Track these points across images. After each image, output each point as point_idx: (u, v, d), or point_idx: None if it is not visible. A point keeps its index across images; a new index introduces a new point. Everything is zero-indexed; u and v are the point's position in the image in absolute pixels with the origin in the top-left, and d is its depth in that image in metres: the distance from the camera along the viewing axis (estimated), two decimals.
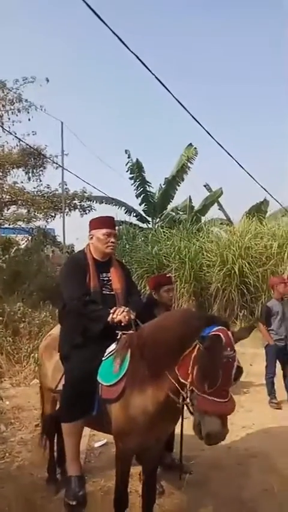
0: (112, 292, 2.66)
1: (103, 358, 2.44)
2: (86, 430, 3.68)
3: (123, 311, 2.47)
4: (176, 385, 2.04)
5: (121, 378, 2.26)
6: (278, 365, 5.18)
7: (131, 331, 2.43)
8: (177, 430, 3.28)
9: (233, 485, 3.16)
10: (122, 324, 2.46)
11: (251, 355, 6.81)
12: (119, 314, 2.46)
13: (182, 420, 3.04)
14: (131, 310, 2.52)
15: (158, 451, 2.57)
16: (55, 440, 3.18)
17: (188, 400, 2.00)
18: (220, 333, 1.93)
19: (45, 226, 15.95)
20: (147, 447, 2.44)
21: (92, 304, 2.53)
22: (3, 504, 2.87)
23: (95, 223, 2.78)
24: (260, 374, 5.36)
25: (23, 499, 2.96)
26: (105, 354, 2.45)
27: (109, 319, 2.46)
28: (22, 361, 6.48)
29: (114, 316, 2.45)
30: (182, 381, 1.99)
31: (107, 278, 2.70)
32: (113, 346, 2.45)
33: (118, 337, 2.44)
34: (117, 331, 2.46)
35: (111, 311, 2.48)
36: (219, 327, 1.97)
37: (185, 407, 2.13)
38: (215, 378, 1.87)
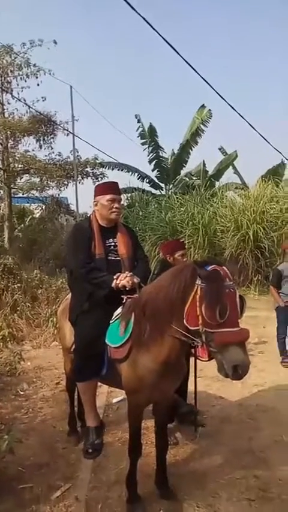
0: (118, 258, 2.70)
1: (110, 322, 2.54)
2: (105, 387, 3.91)
3: (126, 276, 2.53)
4: (189, 336, 2.13)
5: (127, 340, 2.37)
6: None
7: (135, 295, 2.50)
8: (190, 387, 3.48)
9: (244, 437, 3.32)
10: (127, 289, 2.52)
11: (264, 318, 6.92)
12: (123, 279, 2.52)
13: (195, 377, 3.20)
14: (136, 275, 2.58)
15: (167, 406, 2.72)
16: (75, 396, 3.36)
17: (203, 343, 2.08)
18: (216, 268, 2.07)
19: (58, 194, 15.98)
20: (155, 402, 2.59)
21: (96, 271, 2.60)
22: (29, 453, 3.11)
23: (99, 190, 2.79)
24: (273, 336, 5.46)
25: (46, 449, 3.19)
26: (113, 318, 2.55)
27: (113, 284, 2.53)
28: (41, 325, 6.74)
29: (118, 281, 2.52)
30: (193, 328, 2.08)
31: (113, 244, 2.73)
32: (119, 310, 2.54)
33: (123, 301, 2.52)
34: (122, 296, 2.53)
35: (115, 277, 2.54)
36: (213, 265, 2.10)
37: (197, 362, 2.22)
38: (223, 306, 1.97)
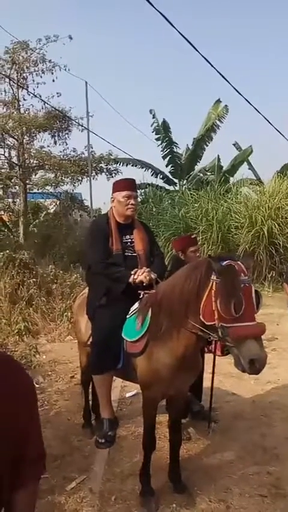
0: (135, 254, 2.74)
1: (127, 317, 2.58)
2: (118, 382, 3.95)
3: (143, 272, 2.57)
4: (206, 330, 2.15)
5: (143, 334, 2.40)
6: None
7: (152, 291, 2.53)
8: (205, 383, 3.50)
9: (257, 434, 3.32)
10: (144, 284, 2.56)
11: (278, 315, 6.88)
12: (140, 275, 2.55)
13: (213, 373, 3.22)
14: (153, 271, 2.61)
15: (182, 402, 2.75)
16: (90, 390, 3.42)
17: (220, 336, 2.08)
18: (231, 263, 2.07)
19: (73, 190, 16.06)
20: (171, 396, 2.63)
21: (114, 266, 2.64)
22: (44, 445, 3.16)
23: (116, 186, 2.83)
24: (287, 333, 5.43)
25: (61, 441, 3.25)
26: (129, 313, 2.59)
27: (130, 280, 2.56)
28: (56, 320, 6.84)
29: (135, 277, 2.56)
30: (209, 323, 2.09)
31: (130, 240, 2.78)
32: (136, 305, 2.58)
33: (140, 296, 2.56)
34: (139, 291, 2.57)
35: (132, 272, 2.58)
36: (228, 260, 2.11)
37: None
38: (239, 300, 1.98)
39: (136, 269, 2.60)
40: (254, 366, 1.98)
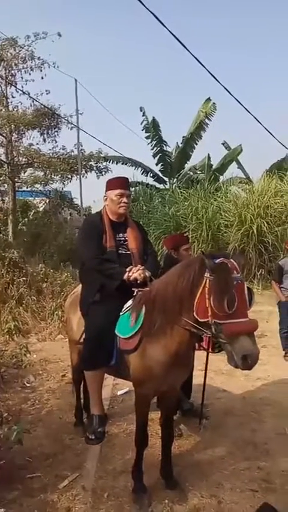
0: (128, 252, 2.76)
1: (120, 314, 2.59)
2: (110, 380, 3.96)
3: (138, 269, 2.58)
4: (199, 327, 2.17)
5: (137, 331, 2.42)
6: None
7: (146, 289, 2.54)
8: (195, 380, 3.53)
9: (247, 430, 3.37)
10: (138, 282, 2.57)
11: (267, 312, 6.95)
12: (135, 272, 2.57)
13: (206, 370, 3.25)
14: (147, 269, 2.63)
15: (174, 399, 2.78)
16: (81, 388, 3.42)
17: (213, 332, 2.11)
18: (224, 260, 2.10)
19: (62, 188, 15.95)
20: (163, 393, 2.65)
21: (108, 263, 2.65)
22: (36, 444, 3.17)
23: (110, 185, 2.85)
24: (277, 330, 5.50)
25: (53, 440, 3.25)
26: (123, 310, 2.60)
27: (125, 277, 2.57)
28: (46, 319, 6.81)
29: (130, 274, 2.57)
30: (203, 320, 2.12)
31: (123, 238, 2.79)
32: (129, 303, 2.59)
33: (134, 294, 2.57)
34: (133, 289, 2.58)
35: (127, 269, 2.59)
36: (221, 258, 2.14)
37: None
38: (232, 297, 2.01)
39: (131, 266, 2.61)
40: (247, 361, 2.01)
